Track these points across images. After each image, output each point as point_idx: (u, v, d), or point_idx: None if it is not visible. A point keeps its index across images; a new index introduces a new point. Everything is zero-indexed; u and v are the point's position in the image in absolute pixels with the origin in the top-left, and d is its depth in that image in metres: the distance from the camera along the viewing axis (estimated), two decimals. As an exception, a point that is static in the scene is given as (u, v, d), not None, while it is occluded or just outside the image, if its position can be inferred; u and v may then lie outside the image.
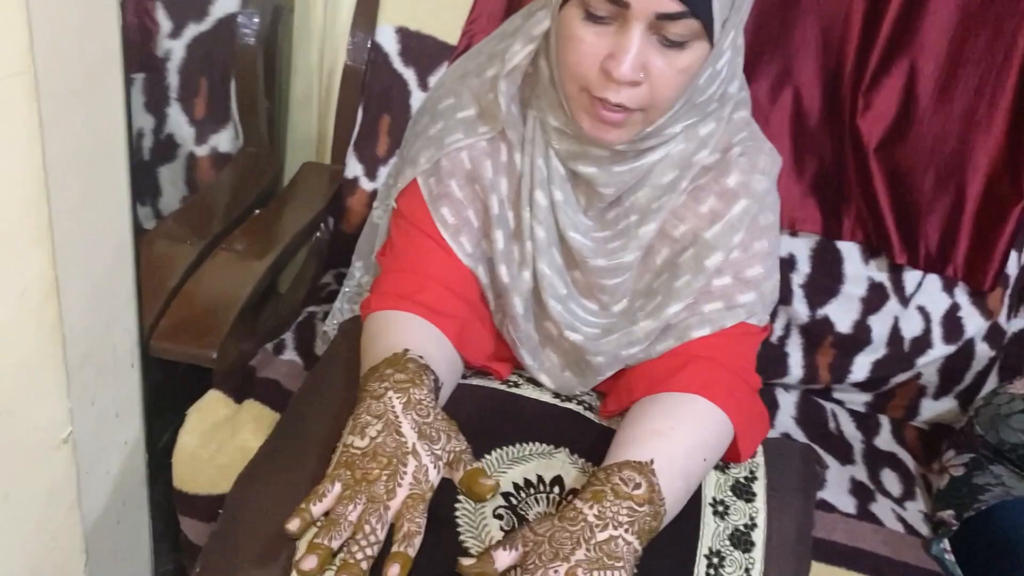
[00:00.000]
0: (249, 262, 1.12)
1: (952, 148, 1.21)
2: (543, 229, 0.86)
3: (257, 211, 1.27)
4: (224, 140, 1.36)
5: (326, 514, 0.71)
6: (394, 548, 0.68)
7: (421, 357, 0.78)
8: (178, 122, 1.33)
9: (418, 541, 0.69)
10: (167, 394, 1.08)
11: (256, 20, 1.28)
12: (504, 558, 0.69)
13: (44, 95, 0.53)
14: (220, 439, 0.99)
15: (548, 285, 0.87)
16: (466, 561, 0.69)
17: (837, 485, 1.16)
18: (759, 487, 0.87)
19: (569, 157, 0.84)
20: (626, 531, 0.70)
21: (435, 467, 0.72)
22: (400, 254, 0.90)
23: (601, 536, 0.69)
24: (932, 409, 1.31)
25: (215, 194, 1.29)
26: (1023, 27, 1.15)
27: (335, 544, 0.68)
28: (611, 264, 0.86)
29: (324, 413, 0.83)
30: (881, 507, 1.13)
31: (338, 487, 0.70)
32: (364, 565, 0.67)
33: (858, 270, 1.26)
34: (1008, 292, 1.24)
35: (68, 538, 0.66)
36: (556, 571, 0.67)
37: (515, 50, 0.81)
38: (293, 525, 0.68)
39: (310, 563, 0.66)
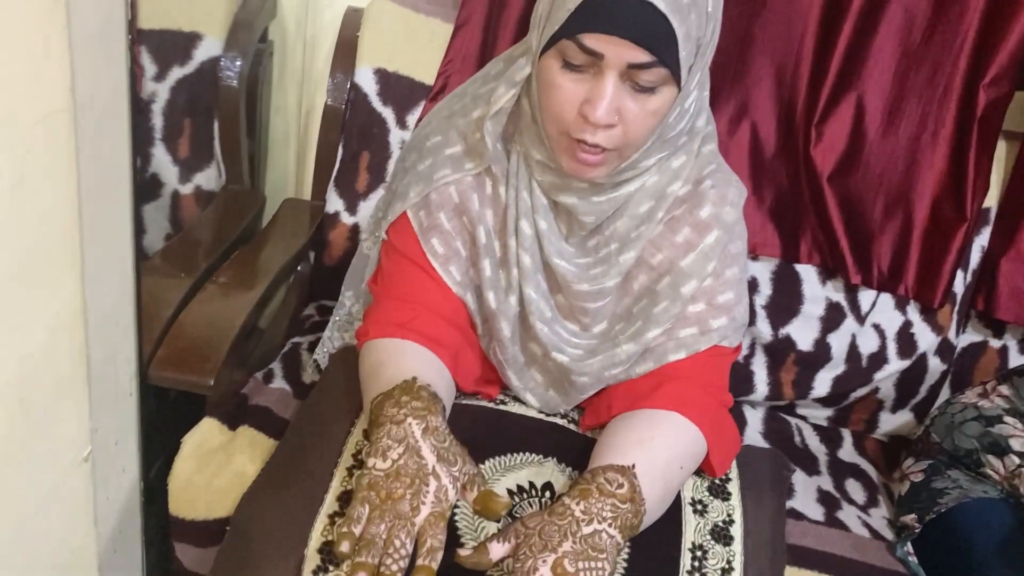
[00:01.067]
0: (239, 294, 1.16)
1: (899, 175, 1.30)
2: (529, 256, 0.91)
3: (242, 247, 1.31)
4: (207, 179, 1.40)
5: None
6: (419, 561, 0.72)
7: (430, 385, 0.83)
8: (162, 161, 1.37)
9: (440, 556, 0.73)
10: (157, 424, 1.11)
11: (238, 63, 1.34)
12: (498, 550, 0.74)
13: (80, 130, 0.57)
14: (216, 465, 1.02)
15: (535, 309, 0.92)
16: (463, 552, 0.74)
17: (805, 495, 1.22)
18: (733, 487, 0.93)
19: (551, 189, 0.89)
20: (609, 526, 0.76)
21: (453, 487, 0.77)
22: (392, 284, 0.95)
23: (587, 530, 0.75)
24: (890, 422, 1.39)
25: (200, 231, 1.33)
26: (959, 63, 1.25)
27: (375, 561, 0.72)
28: (594, 289, 0.92)
29: (324, 435, 0.88)
30: (847, 514, 1.19)
31: (367, 508, 0.74)
32: (399, 574, 0.71)
33: (816, 291, 1.33)
34: (956, 309, 1.33)
35: (87, 557, 0.69)
36: (544, 561, 0.72)
37: (499, 94, 0.87)
38: (345, 547, 0.72)
39: None
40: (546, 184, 0.89)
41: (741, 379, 1.35)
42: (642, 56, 0.76)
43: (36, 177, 0.54)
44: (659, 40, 0.75)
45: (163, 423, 1.12)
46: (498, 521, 0.80)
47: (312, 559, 0.76)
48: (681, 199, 0.91)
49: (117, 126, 0.74)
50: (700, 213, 0.91)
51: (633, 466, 0.81)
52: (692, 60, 0.79)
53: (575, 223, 0.91)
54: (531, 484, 0.86)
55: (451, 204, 0.93)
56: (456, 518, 0.79)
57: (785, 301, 1.33)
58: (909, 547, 1.12)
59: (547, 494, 0.85)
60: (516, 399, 1.00)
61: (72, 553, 0.67)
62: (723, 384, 0.96)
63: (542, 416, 0.98)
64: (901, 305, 1.33)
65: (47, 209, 0.55)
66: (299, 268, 1.40)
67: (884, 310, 1.33)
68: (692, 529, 0.88)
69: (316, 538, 0.77)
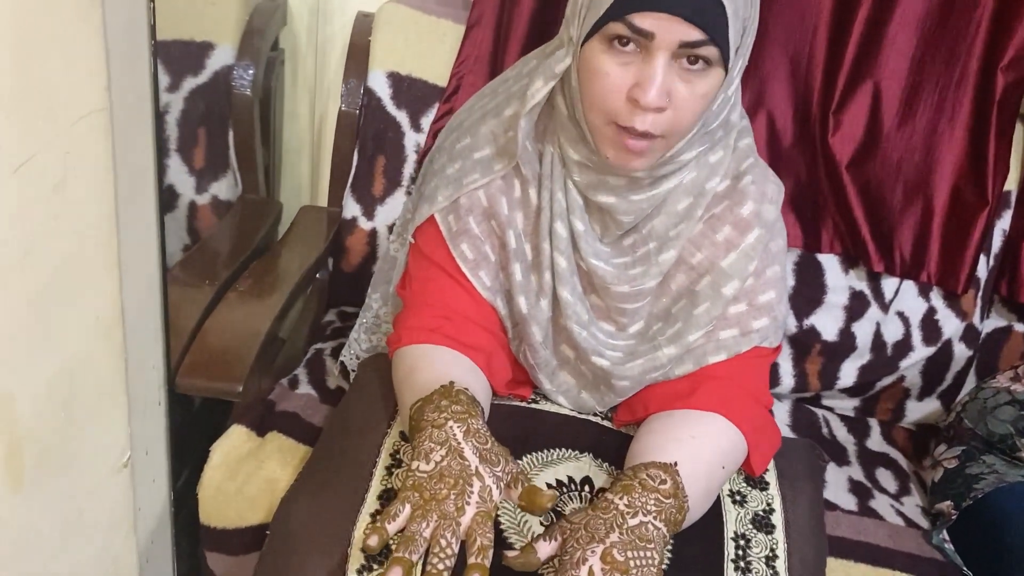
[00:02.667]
0: (261, 301, 1.15)
1: (918, 161, 1.30)
2: (564, 259, 0.90)
3: (261, 256, 1.30)
4: (224, 188, 1.40)
5: (400, 532, 0.74)
6: (471, 560, 0.71)
7: (468, 389, 0.82)
8: (178, 172, 1.37)
9: (491, 554, 0.72)
10: (183, 434, 1.10)
11: (251, 71, 1.33)
12: (545, 548, 0.73)
13: (116, 131, 0.57)
14: (247, 472, 1.01)
15: (572, 312, 0.91)
16: (511, 553, 0.73)
17: (836, 485, 1.21)
18: (771, 477, 0.93)
19: (588, 188, 0.88)
20: (655, 518, 0.75)
21: (497, 487, 0.76)
22: (422, 290, 0.94)
23: (632, 522, 0.74)
24: (917, 410, 1.38)
25: (218, 241, 1.33)
26: (975, 47, 1.24)
27: (415, 558, 0.71)
28: (634, 290, 0.91)
29: (361, 436, 0.87)
30: (880, 503, 1.18)
31: (408, 508, 0.73)
32: (446, 574, 0.70)
33: (839, 280, 1.33)
34: (980, 294, 1.32)
35: (127, 563, 0.69)
36: (593, 551, 0.71)
37: (536, 87, 0.84)
38: (373, 541, 0.71)
39: (395, 574, 0.69)
40: (583, 184, 0.88)
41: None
42: (694, 33, 0.75)
43: (77, 178, 0.53)
44: (710, 17, 0.75)
45: (188, 433, 1.12)
46: (543, 516, 0.79)
47: (356, 558, 0.76)
48: (720, 195, 0.90)
49: (144, 129, 0.74)
50: (741, 211, 0.90)
51: (675, 463, 0.80)
52: (739, 41, 0.79)
53: (611, 223, 0.90)
54: (570, 479, 0.85)
55: (480, 208, 0.92)
56: (499, 518, 0.79)
57: (808, 292, 1.32)
58: (945, 534, 1.11)
59: (586, 488, 0.85)
60: (546, 399, 1.00)
61: (114, 561, 0.67)
62: (764, 386, 0.95)
63: (576, 413, 0.97)
64: (924, 292, 1.32)
65: (88, 211, 0.55)
66: (318, 275, 1.40)
67: (908, 297, 1.32)
68: (733, 519, 0.87)
69: (359, 537, 0.77)
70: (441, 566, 0.70)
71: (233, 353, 1.04)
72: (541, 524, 0.79)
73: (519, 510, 0.80)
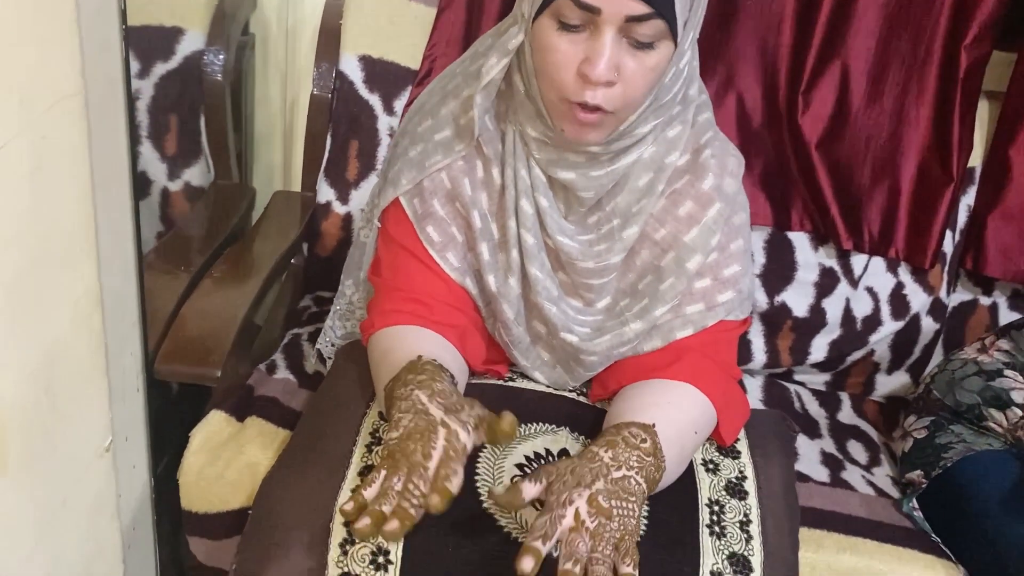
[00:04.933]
0: (237, 287, 1.15)
1: (885, 139, 1.32)
2: (531, 235, 0.91)
3: (235, 242, 1.30)
4: (196, 174, 1.39)
5: None
6: (433, 484, 0.72)
7: (435, 360, 0.83)
8: (150, 159, 1.36)
9: (457, 481, 0.73)
10: (162, 420, 1.10)
11: (222, 57, 1.33)
12: (530, 489, 0.75)
13: (91, 115, 0.57)
14: (227, 457, 1.02)
15: (542, 288, 0.92)
16: (496, 490, 0.74)
17: (808, 458, 1.24)
18: (742, 447, 0.95)
19: (549, 165, 0.89)
20: (636, 474, 0.77)
21: (464, 430, 0.77)
22: (392, 275, 0.95)
23: (616, 474, 0.76)
24: (886, 383, 1.41)
25: (192, 227, 1.32)
26: (940, 25, 1.27)
27: (386, 509, 0.72)
28: (599, 266, 0.92)
29: (340, 416, 0.88)
30: (851, 474, 1.21)
31: (383, 472, 0.74)
32: (413, 512, 0.72)
33: (809, 257, 1.35)
34: (946, 268, 1.35)
35: (111, 547, 0.69)
36: (580, 495, 0.73)
37: (491, 64, 0.86)
38: (348, 506, 0.72)
39: (363, 522, 0.70)
40: (543, 161, 0.89)
41: (739, 348, 1.35)
42: (640, 7, 0.76)
43: (53, 162, 0.53)
44: None
45: (167, 419, 1.12)
46: (510, 441, 0.80)
47: (338, 532, 0.77)
48: (681, 170, 0.91)
49: (117, 115, 0.74)
50: (702, 185, 0.91)
51: (653, 424, 0.82)
52: (687, 15, 0.80)
53: (574, 200, 0.91)
54: (547, 451, 0.87)
55: (443, 190, 0.93)
56: (477, 485, 0.80)
57: (779, 269, 1.34)
58: (914, 503, 1.14)
59: (564, 461, 0.86)
60: (523, 376, 1.01)
61: (98, 545, 0.67)
62: (732, 358, 0.97)
63: (552, 390, 0.99)
64: (892, 267, 1.35)
65: (65, 196, 0.55)
66: (293, 260, 1.39)
67: (876, 273, 1.35)
68: (707, 486, 0.89)
69: (341, 501, 0.77)
70: (412, 511, 0.71)
71: (210, 339, 1.04)
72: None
73: (497, 479, 0.81)
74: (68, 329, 0.57)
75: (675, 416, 0.85)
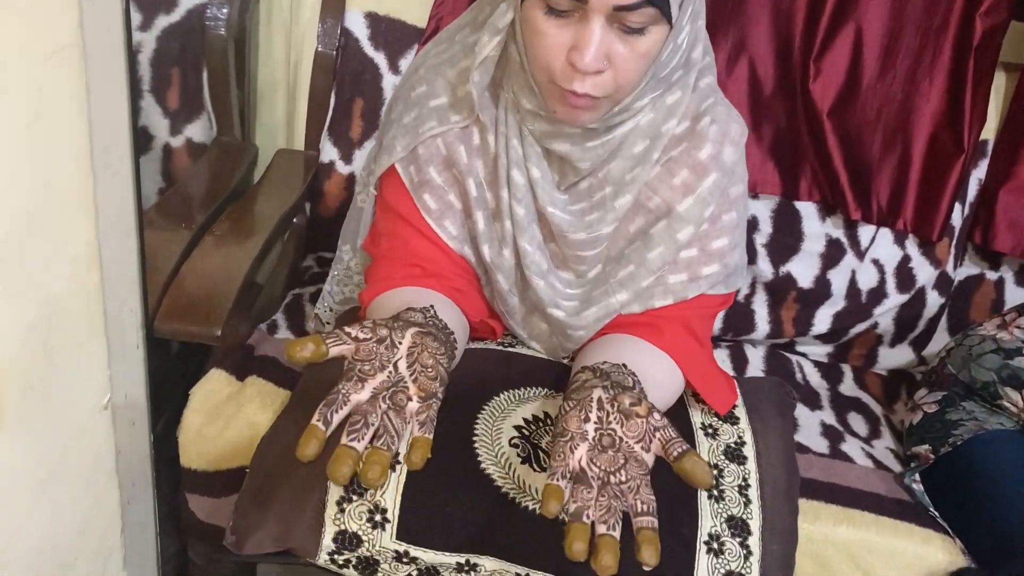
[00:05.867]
0: (239, 246, 1.14)
1: (897, 109, 1.30)
2: (522, 207, 0.90)
3: (237, 199, 1.29)
4: (198, 130, 1.37)
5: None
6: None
7: (444, 322, 0.83)
8: (152, 114, 1.34)
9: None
10: (163, 378, 1.10)
11: (225, 10, 1.30)
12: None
13: (89, 68, 0.55)
14: (227, 415, 1.02)
15: (531, 262, 0.91)
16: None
17: (808, 429, 1.23)
18: (740, 412, 0.95)
19: (543, 137, 0.87)
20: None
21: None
22: (390, 244, 0.94)
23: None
24: (889, 356, 1.40)
25: (194, 184, 1.31)
26: (957, -8, 1.24)
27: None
28: (590, 237, 0.90)
29: (337, 381, 0.87)
30: (851, 446, 1.21)
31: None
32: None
33: (816, 228, 1.34)
34: (954, 242, 1.34)
35: (108, 504, 0.69)
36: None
37: (484, 42, 0.84)
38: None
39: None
40: (537, 132, 0.87)
41: (742, 318, 1.35)
42: None
43: (50, 115, 0.52)
44: None
45: (167, 377, 1.11)
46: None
47: (336, 490, 0.77)
48: (679, 137, 0.89)
49: (117, 67, 0.72)
50: (699, 154, 0.89)
51: (625, 364, 0.83)
52: None
53: (568, 169, 0.89)
54: (545, 414, 0.86)
55: (439, 157, 0.91)
56: (476, 448, 0.81)
57: (785, 239, 1.33)
58: (917, 476, 1.14)
59: (560, 424, 0.86)
60: (521, 343, 1.00)
61: (96, 501, 0.67)
62: (707, 333, 0.96)
63: (549, 357, 0.98)
64: (900, 240, 1.34)
65: (62, 149, 0.54)
66: (295, 220, 1.38)
67: (883, 245, 1.34)
68: (705, 451, 0.89)
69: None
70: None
71: (211, 297, 1.03)
72: (518, 456, 0.81)
73: (495, 441, 0.82)
74: (66, 285, 0.56)
75: (640, 365, 0.86)
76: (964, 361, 1.20)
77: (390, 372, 0.77)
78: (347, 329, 0.78)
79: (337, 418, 0.74)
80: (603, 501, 0.73)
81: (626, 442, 0.76)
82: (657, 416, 0.77)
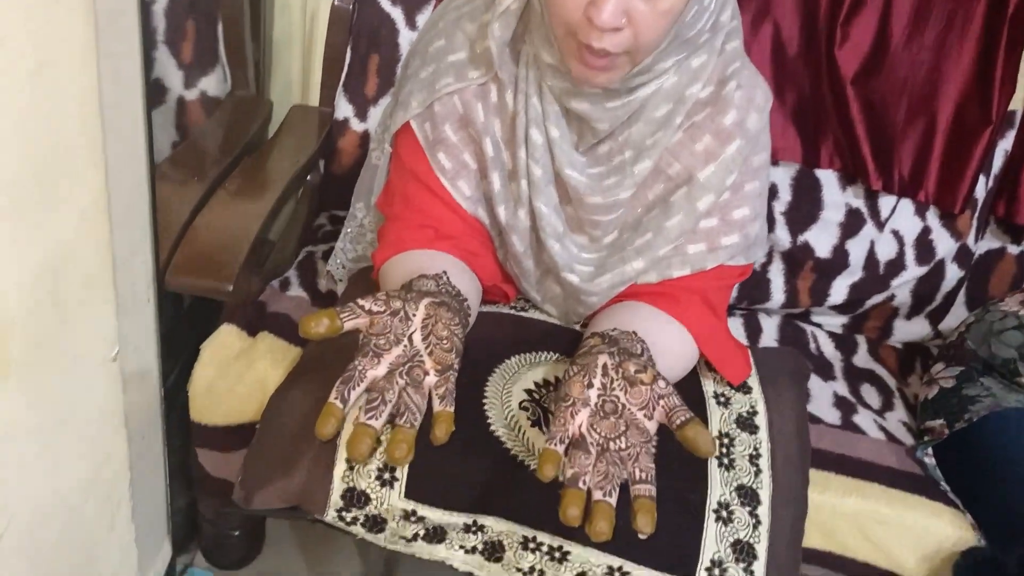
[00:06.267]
0: (252, 201, 1.13)
1: (924, 77, 1.27)
2: (539, 168, 0.88)
3: (250, 155, 1.28)
4: (213, 84, 1.36)
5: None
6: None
7: (458, 290, 0.83)
8: (166, 66, 1.32)
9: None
10: (174, 331, 1.10)
11: (241, -39, 1.28)
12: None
13: (99, 15, 0.54)
14: (237, 371, 1.02)
15: (547, 224, 0.90)
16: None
17: (821, 399, 1.23)
18: (753, 382, 0.94)
19: (563, 94, 0.85)
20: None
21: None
22: (404, 204, 0.93)
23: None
24: (904, 328, 1.39)
25: (207, 138, 1.30)
26: (991, -43, 1.20)
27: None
28: (607, 202, 0.88)
29: (349, 341, 0.87)
30: (863, 418, 1.20)
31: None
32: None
33: (836, 197, 1.32)
34: (976, 215, 1.31)
35: (117, 456, 0.69)
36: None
37: None
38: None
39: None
40: (557, 89, 0.85)
41: (758, 287, 1.34)
42: None
43: (57, 63, 0.51)
44: None
45: (179, 331, 1.11)
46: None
47: (345, 449, 0.77)
48: (703, 102, 0.87)
49: (129, 14, 0.71)
50: (723, 120, 0.86)
51: (635, 332, 0.82)
52: None
53: (587, 130, 0.87)
54: (556, 379, 0.86)
55: (456, 115, 0.89)
56: (486, 409, 0.80)
57: (804, 207, 1.31)
58: (930, 450, 1.13)
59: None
60: (534, 308, 1.00)
61: (106, 455, 0.67)
62: (723, 304, 0.95)
63: (561, 323, 0.97)
64: (921, 211, 1.31)
65: (69, 99, 0.53)
66: (309, 177, 1.37)
67: (903, 216, 1.31)
68: (717, 419, 0.89)
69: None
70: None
71: (223, 252, 1.02)
72: (528, 419, 0.81)
73: (505, 404, 0.81)
74: (74, 237, 0.56)
75: (652, 334, 0.85)
76: (985, 336, 1.18)
77: (405, 346, 0.76)
78: (361, 302, 0.77)
79: (354, 395, 0.74)
80: (601, 467, 0.72)
81: (628, 409, 0.75)
82: (662, 384, 0.76)
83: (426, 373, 0.76)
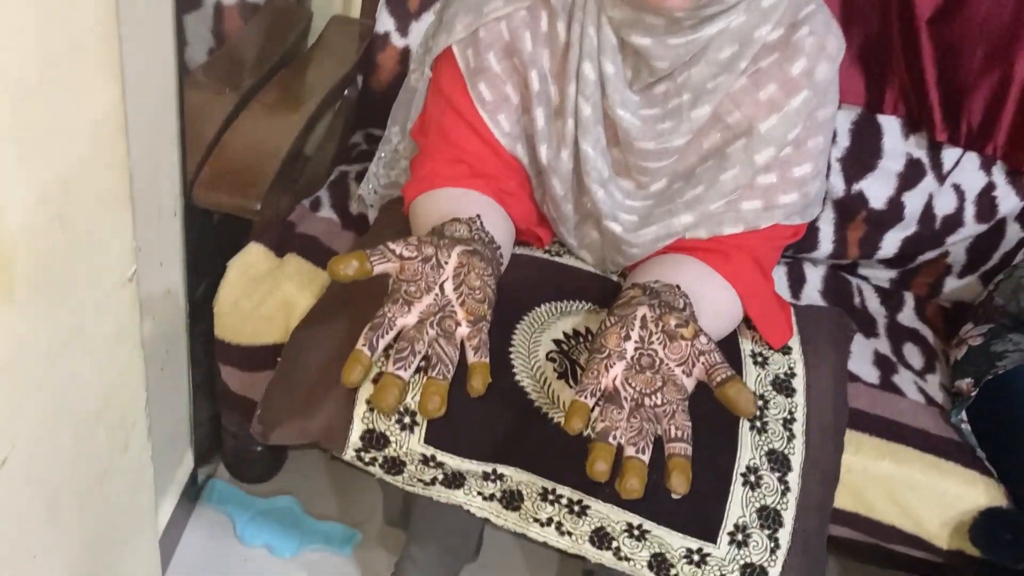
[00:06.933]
0: (286, 115, 1.10)
1: (1004, 24, 1.18)
2: (589, 105, 0.82)
3: (287, 66, 1.23)
4: (251, -12, 1.31)
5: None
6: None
7: (491, 236, 0.80)
8: (203, -32, 1.28)
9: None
10: (201, 247, 1.08)
11: None
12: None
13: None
14: (263, 291, 1.00)
15: (592, 168, 0.84)
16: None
17: (861, 357, 1.18)
18: (794, 342, 0.90)
19: (622, 26, 0.79)
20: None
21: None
22: (439, 136, 0.88)
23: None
24: (955, 287, 1.33)
25: (244, 46, 1.25)
26: None
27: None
28: (659, 147, 0.83)
29: (375, 278, 0.84)
30: (903, 379, 1.16)
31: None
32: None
33: (897, 145, 1.25)
34: (1046, 173, 1.24)
35: (133, 377, 0.68)
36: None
37: None
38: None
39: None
40: (617, 20, 0.79)
41: (805, 235, 1.27)
42: None
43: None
44: None
45: (206, 246, 1.09)
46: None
47: (366, 390, 0.75)
48: (770, 46, 0.81)
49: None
50: (791, 68, 0.80)
51: (678, 286, 0.78)
52: None
53: (643, 68, 0.81)
54: (587, 329, 0.83)
55: (501, 43, 0.84)
56: (512, 359, 0.77)
57: (862, 155, 1.24)
58: (963, 415, 1.09)
59: (600, 340, 0.82)
60: (570, 253, 0.96)
61: (120, 373, 0.66)
62: (771, 266, 0.90)
63: (596, 271, 0.94)
64: (987, 166, 1.24)
65: (80, 9, 0.49)
66: (346, 92, 1.33)
67: (967, 170, 1.24)
68: (753, 379, 0.85)
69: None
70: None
71: (253, 168, 0.99)
72: (555, 371, 0.78)
73: (532, 354, 0.78)
74: (86, 154, 0.53)
75: (696, 288, 0.81)
76: (1013, 292, 1.13)
77: (436, 295, 0.74)
78: (392, 246, 0.74)
79: (383, 343, 0.72)
80: (634, 423, 0.70)
81: (666, 364, 0.72)
82: (704, 340, 0.73)
83: (457, 324, 0.74)
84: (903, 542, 1.05)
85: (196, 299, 1.07)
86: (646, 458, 0.69)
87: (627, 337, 0.73)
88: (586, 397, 0.71)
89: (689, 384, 0.73)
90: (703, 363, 0.72)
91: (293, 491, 1.32)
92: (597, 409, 0.71)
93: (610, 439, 0.69)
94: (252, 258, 1.02)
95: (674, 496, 0.69)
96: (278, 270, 1.01)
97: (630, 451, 0.69)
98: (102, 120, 0.52)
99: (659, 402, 0.71)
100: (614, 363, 0.72)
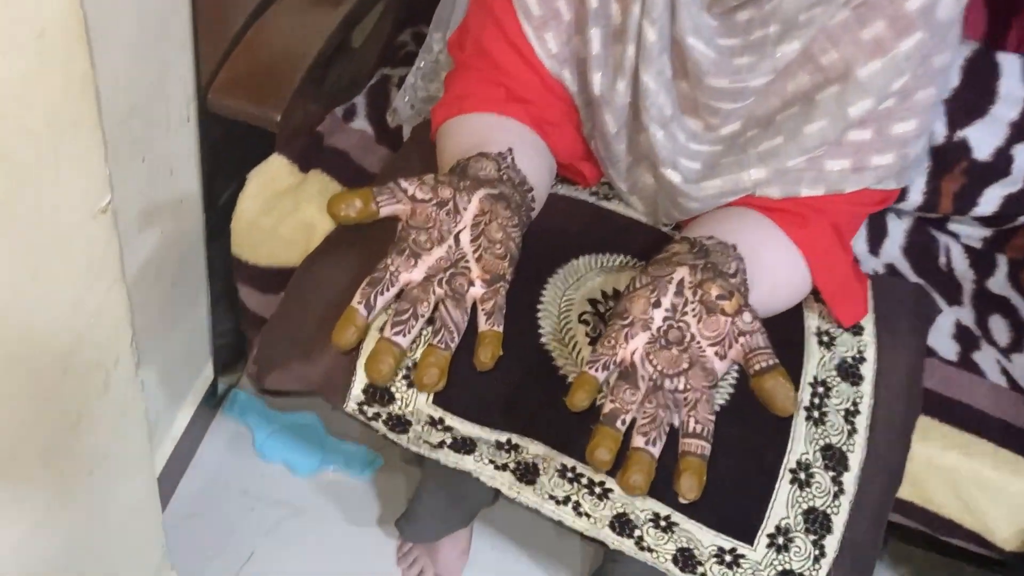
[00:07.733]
0: (321, 10, 0.98)
1: None
2: (655, 30, 0.68)
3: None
4: None
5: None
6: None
7: (523, 176, 0.70)
8: None
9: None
10: (226, 151, 0.99)
11: None
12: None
13: None
14: (283, 209, 0.92)
15: (651, 104, 0.71)
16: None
17: (939, 328, 1.06)
18: (867, 321, 0.79)
19: None
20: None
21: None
22: (476, 50, 0.76)
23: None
24: (1058, 254, 1.18)
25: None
26: None
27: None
28: (734, 87, 0.70)
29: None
30: (985, 356, 1.04)
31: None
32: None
33: (1014, 89, 1.08)
34: None
35: (111, 315, 0.61)
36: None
37: None
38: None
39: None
40: None
41: (893, 183, 1.14)
42: None
43: None
44: None
45: (232, 150, 1.01)
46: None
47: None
48: None
49: None
50: (905, 3, 0.65)
51: (735, 246, 0.67)
52: None
53: None
54: (627, 289, 0.73)
55: None
56: (540, 321, 0.69)
57: (973, 97, 1.08)
58: (1050, 404, 0.97)
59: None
60: (618, 197, 0.84)
61: (96, 310, 0.59)
62: (851, 235, 0.78)
63: (646, 220, 0.82)
64: (1119, 120, 1.08)
65: None
66: (396, -17, 1.20)
67: (1094, 123, 1.08)
68: (816, 362, 0.75)
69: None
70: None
71: (277, 72, 0.90)
72: (587, 335, 0.70)
73: (563, 314, 0.69)
74: (31, 70, 0.44)
75: (759, 253, 0.70)
76: None
77: (450, 246, 0.64)
78: (404, 184, 0.64)
79: (382, 301, 0.64)
80: (648, 409, 0.61)
81: (697, 342, 0.62)
82: (747, 318, 0.62)
83: (471, 283, 0.64)
84: (961, 537, 0.96)
85: (219, 207, 0.99)
86: (656, 451, 0.60)
87: (657, 304, 0.63)
88: (597, 370, 0.62)
89: (720, 368, 0.63)
90: (742, 345, 0.62)
91: (317, 408, 1.27)
92: (609, 386, 0.62)
93: (618, 423, 0.60)
94: (273, 171, 0.94)
95: (681, 501, 0.61)
96: (300, 188, 0.93)
97: (639, 441, 0.60)
98: (48, 29, 0.43)
99: (681, 387, 0.62)
100: (636, 333, 0.62)
